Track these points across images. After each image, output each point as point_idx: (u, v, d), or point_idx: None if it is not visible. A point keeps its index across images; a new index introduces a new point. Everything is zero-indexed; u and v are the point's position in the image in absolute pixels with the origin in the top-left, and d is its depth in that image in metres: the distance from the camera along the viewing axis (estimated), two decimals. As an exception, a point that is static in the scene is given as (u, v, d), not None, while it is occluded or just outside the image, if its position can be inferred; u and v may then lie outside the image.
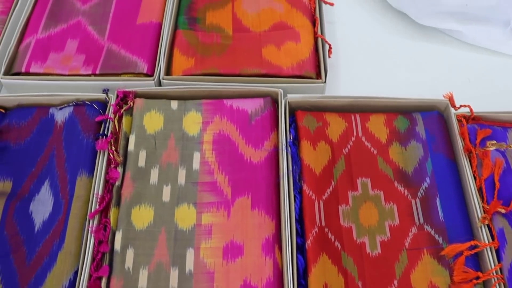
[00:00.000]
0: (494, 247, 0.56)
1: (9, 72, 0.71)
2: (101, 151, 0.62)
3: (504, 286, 0.54)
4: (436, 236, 0.58)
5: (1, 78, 0.70)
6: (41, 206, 0.61)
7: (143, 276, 0.56)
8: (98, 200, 0.59)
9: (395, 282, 0.56)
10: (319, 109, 0.67)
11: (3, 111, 0.68)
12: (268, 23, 0.75)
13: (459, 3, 0.72)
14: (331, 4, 0.76)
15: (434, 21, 0.75)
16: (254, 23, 0.75)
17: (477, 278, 0.54)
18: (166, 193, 0.60)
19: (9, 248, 0.58)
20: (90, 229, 0.57)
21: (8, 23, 0.75)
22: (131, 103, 0.65)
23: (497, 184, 0.60)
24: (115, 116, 0.64)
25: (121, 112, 0.65)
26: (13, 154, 0.65)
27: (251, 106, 0.65)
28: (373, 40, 0.78)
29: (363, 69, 0.75)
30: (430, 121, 0.66)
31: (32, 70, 0.70)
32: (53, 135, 0.65)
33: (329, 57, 0.70)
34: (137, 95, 0.67)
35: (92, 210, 0.58)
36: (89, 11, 0.77)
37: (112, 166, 0.61)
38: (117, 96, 0.66)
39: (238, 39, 0.73)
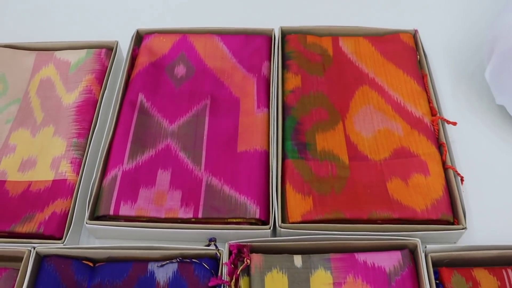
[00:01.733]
0: None
1: (93, 214, 0.62)
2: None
3: None
4: None
5: (86, 223, 0.61)
6: None
7: None
8: None
9: None
10: (460, 261, 0.58)
11: (91, 264, 0.59)
12: (388, 149, 0.66)
13: None
14: (454, 124, 0.68)
15: None
16: (372, 149, 0.67)
17: None
18: None
19: None
20: None
21: (89, 150, 0.67)
22: (248, 261, 0.56)
23: None
24: (231, 280, 0.55)
25: (238, 272, 0.56)
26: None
27: (388, 262, 0.57)
28: (502, 165, 0.70)
29: (494, 200, 0.67)
30: None
31: (121, 213, 0.61)
32: (155, 302, 0.56)
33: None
34: (252, 249, 0.58)
35: None
36: (178, 132, 0.69)
37: None
38: (230, 252, 0.57)
39: (357, 169, 0.65)
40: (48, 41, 0.79)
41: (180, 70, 0.75)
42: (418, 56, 0.76)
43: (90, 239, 0.64)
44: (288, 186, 0.63)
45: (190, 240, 0.61)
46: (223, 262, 0.57)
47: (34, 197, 0.64)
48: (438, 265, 0.58)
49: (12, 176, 0.67)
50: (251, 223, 0.61)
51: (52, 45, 0.79)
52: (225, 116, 0.70)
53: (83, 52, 0.77)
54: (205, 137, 0.68)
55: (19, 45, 0.79)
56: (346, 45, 0.77)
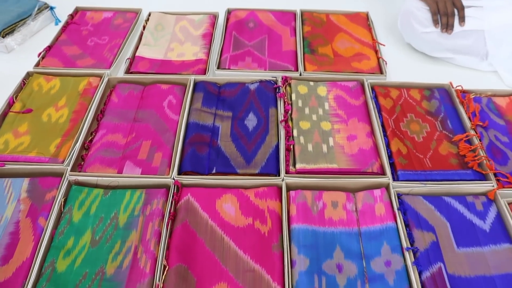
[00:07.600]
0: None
1: (217, 68, 1.51)
2: (280, 98, 1.40)
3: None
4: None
5: (216, 70, 1.49)
6: (251, 122, 1.35)
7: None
8: (284, 115, 1.35)
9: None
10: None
11: (218, 84, 1.47)
12: (352, 52, 1.58)
13: (452, 43, 1.57)
14: (383, 45, 1.60)
15: (439, 54, 1.59)
16: (345, 53, 1.58)
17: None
18: (314, 117, 1.37)
19: (238, 137, 1.33)
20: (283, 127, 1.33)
21: (212, 49, 1.58)
22: (290, 81, 1.44)
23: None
24: (283, 86, 1.43)
25: (286, 84, 1.44)
26: (229, 102, 1.42)
27: (350, 84, 1.45)
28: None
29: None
30: None
31: (231, 67, 1.50)
32: (249, 95, 1.43)
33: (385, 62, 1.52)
34: (292, 78, 1.46)
35: (281, 119, 1.34)
36: (253, 45, 1.59)
37: (285, 105, 1.38)
38: (282, 78, 1.45)
39: (337, 59, 1.55)
40: (180, 11, 1.73)
41: (251, 24, 1.68)
42: (369, 21, 1.71)
43: (215, 78, 1.51)
44: (307, 63, 1.51)
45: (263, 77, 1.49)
46: (280, 81, 1.45)
47: (187, 66, 1.53)
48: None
49: (174, 58, 1.56)
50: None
51: (183, 12, 1.73)
52: (274, 40, 1.61)
53: (200, 16, 1.70)
54: (266, 47, 1.59)
55: (166, 12, 1.73)
56: (332, 17, 1.72)
